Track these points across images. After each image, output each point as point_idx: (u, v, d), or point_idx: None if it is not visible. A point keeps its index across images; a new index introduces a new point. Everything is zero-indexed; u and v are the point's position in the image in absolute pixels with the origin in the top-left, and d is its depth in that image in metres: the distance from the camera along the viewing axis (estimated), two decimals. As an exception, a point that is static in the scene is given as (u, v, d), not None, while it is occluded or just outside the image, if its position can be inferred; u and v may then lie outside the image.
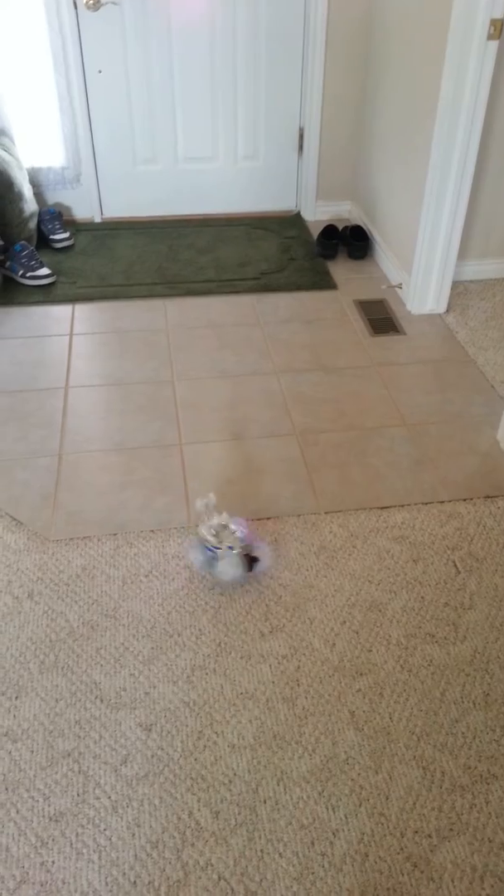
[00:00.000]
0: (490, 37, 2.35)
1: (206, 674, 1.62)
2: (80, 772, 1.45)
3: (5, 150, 3.16)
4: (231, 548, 1.74)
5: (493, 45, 2.37)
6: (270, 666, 1.64)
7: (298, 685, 1.60)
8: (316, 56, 3.30)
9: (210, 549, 1.76)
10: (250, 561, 1.79)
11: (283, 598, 1.79)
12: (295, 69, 3.38)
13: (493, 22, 2.32)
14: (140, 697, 1.57)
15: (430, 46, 2.60)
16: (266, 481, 2.14)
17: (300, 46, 3.32)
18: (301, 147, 3.59)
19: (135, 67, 3.28)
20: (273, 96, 3.44)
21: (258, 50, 3.30)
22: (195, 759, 1.47)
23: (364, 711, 1.56)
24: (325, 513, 2.05)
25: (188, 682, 1.60)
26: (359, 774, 1.45)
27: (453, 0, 2.34)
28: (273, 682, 1.61)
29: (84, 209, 3.63)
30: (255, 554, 1.80)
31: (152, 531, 1.96)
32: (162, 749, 1.49)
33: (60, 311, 2.95)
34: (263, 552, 1.82)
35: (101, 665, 1.63)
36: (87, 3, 3.08)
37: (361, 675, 1.63)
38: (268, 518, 2.02)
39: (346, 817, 1.39)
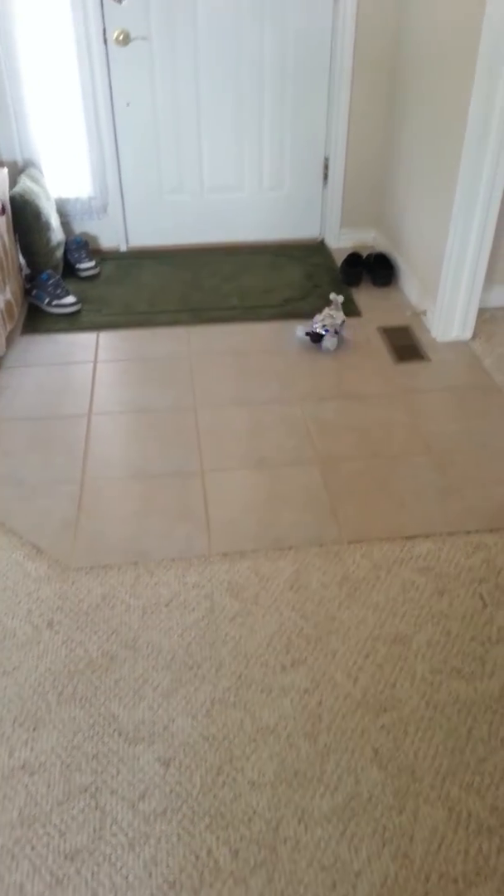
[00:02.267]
0: (515, 66, 2.35)
1: (226, 707, 1.59)
2: (97, 807, 1.42)
3: (33, 181, 3.22)
4: (326, 329, 2.86)
5: (518, 74, 2.37)
6: (291, 700, 1.61)
7: (320, 720, 1.57)
8: (342, 87, 3.32)
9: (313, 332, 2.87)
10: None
11: (305, 630, 1.76)
12: (321, 100, 3.41)
13: (518, 52, 2.32)
14: (159, 731, 1.55)
15: (458, 74, 2.61)
16: (288, 510, 2.12)
17: (326, 77, 3.36)
18: (326, 176, 3.61)
19: (162, 100, 3.33)
20: (298, 127, 3.48)
21: (284, 81, 3.34)
22: (214, 796, 1.44)
23: (388, 749, 1.52)
24: (348, 542, 2.02)
25: (208, 715, 1.58)
26: (382, 814, 1.41)
27: (482, 28, 2.34)
28: (294, 717, 1.57)
29: (110, 238, 3.68)
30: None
31: (173, 560, 1.95)
32: (180, 784, 1.46)
33: (85, 339, 2.97)
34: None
35: (120, 697, 1.61)
36: (116, 38, 3.14)
37: (385, 710, 1.59)
38: (289, 548, 1.99)
39: (368, 859, 1.34)
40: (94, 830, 1.38)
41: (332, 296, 2.97)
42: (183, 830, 1.39)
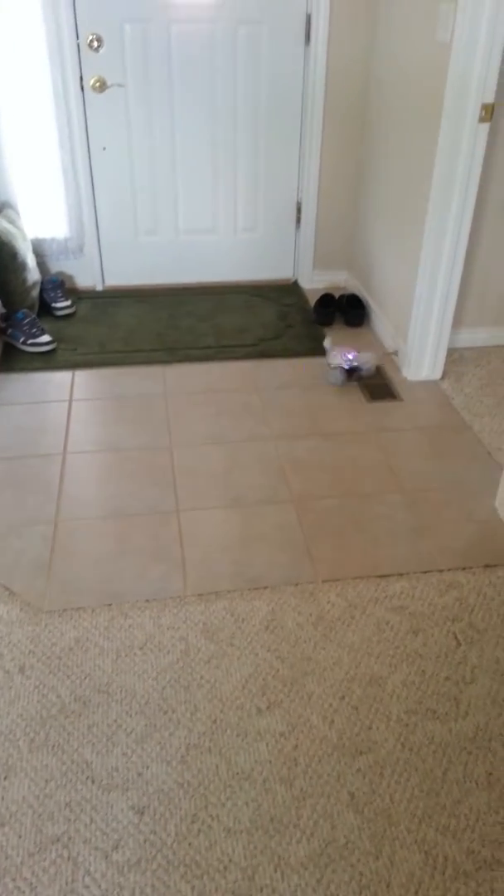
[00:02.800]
0: (482, 119, 2.44)
1: (201, 753, 1.57)
2: (69, 858, 1.39)
3: (10, 222, 3.25)
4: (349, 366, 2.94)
5: (485, 126, 2.46)
6: (267, 744, 1.59)
7: (296, 765, 1.56)
8: (313, 133, 3.42)
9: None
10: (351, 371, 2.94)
11: (281, 671, 1.76)
12: (293, 146, 3.51)
13: (485, 106, 2.42)
14: (133, 778, 1.52)
15: (425, 127, 2.71)
16: (263, 549, 2.13)
17: (298, 124, 3.45)
18: (299, 220, 3.69)
19: (138, 144, 3.40)
20: (271, 172, 3.56)
21: (257, 128, 3.44)
22: (189, 844, 1.42)
23: (364, 793, 1.51)
24: (323, 581, 2.03)
25: (182, 761, 1.56)
26: (359, 860, 1.40)
27: (446, 86, 2.44)
28: (270, 762, 1.56)
29: (86, 278, 3.71)
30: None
31: (148, 601, 1.94)
32: (155, 833, 1.43)
33: (61, 378, 2.98)
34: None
35: (93, 744, 1.59)
36: (93, 85, 3.21)
37: (361, 753, 1.58)
38: (265, 587, 2.00)
39: (345, 908, 1.33)
40: (67, 883, 1.35)
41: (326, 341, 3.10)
42: (157, 881, 1.36)
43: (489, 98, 2.41)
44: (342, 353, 2.94)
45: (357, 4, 3.15)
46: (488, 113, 2.43)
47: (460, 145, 2.49)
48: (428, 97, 2.63)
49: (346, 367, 2.92)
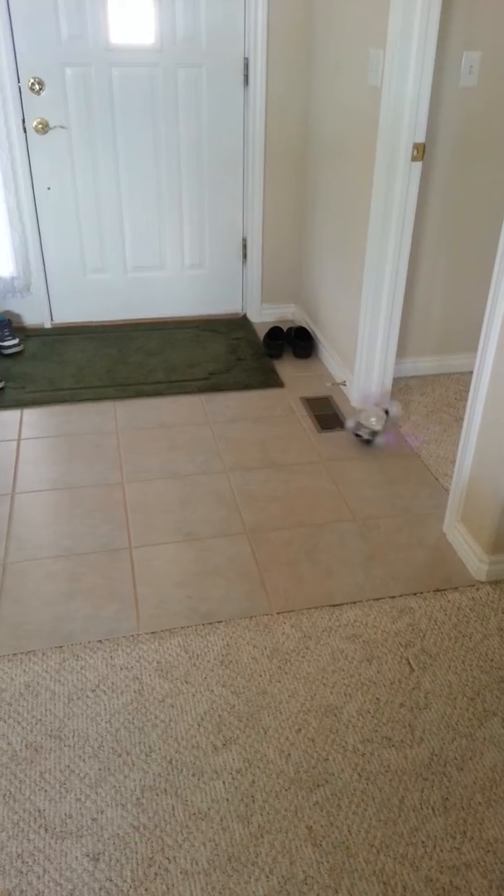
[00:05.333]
0: (414, 158, 2.54)
1: (157, 794, 1.55)
2: (21, 913, 1.35)
3: (-45, 263, 3.23)
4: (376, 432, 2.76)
5: (417, 165, 2.55)
6: (224, 782, 1.58)
7: (254, 801, 1.54)
8: (255, 171, 3.50)
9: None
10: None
11: (237, 706, 1.75)
12: (236, 184, 3.58)
13: (416, 146, 2.52)
14: (87, 824, 1.49)
15: (361, 166, 2.80)
16: (217, 583, 2.13)
17: (240, 163, 3.53)
18: (245, 255, 3.75)
19: (83, 184, 3.43)
20: (216, 210, 3.63)
21: (200, 167, 3.50)
22: (146, 890, 1.39)
23: (322, 826, 1.50)
24: (278, 613, 2.03)
25: (138, 804, 1.53)
26: (318, 895, 1.39)
27: (379, 127, 2.53)
28: (227, 800, 1.55)
29: (34, 316, 3.70)
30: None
31: (100, 641, 1.91)
32: (111, 880, 1.40)
33: (9, 417, 2.95)
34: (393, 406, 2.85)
35: (46, 790, 1.55)
36: (35, 127, 3.24)
37: (318, 786, 1.58)
38: (219, 621, 1.99)
39: None
40: (19, 939, 1.31)
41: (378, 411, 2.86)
42: (114, 931, 1.33)
43: (420, 138, 2.51)
44: (373, 412, 2.77)
45: (293, 48, 3.26)
46: (420, 152, 2.52)
47: (395, 183, 2.58)
48: (362, 138, 2.73)
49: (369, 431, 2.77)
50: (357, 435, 2.80)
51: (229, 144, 3.48)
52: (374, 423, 2.76)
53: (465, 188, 2.91)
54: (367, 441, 2.79)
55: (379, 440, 2.78)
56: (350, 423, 2.85)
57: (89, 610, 2.02)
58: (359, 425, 2.79)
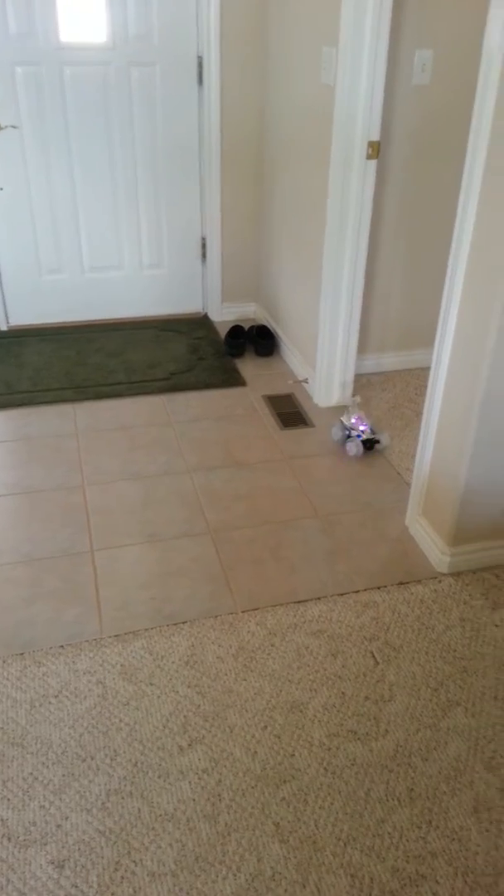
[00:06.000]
0: (369, 156, 2.55)
1: (123, 798, 1.54)
2: (-15, 925, 1.32)
3: None
4: (358, 435, 2.71)
5: (372, 163, 2.57)
6: (190, 782, 1.57)
7: (220, 800, 1.54)
8: (212, 170, 3.49)
9: (347, 430, 2.76)
10: (372, 443, 2.71)
11: (202, 706, 1.74)
12: (193, 183, 3.57)
13: (371, 143, 2.53)
14: (51, 831, 1.47)
15: (316, 164, 2.81)
16: (182, 583, 2.11)
17: (196, 162, 3.52)
18: (204, 254, 3.74)
19: (36, 184, 3.39)
20: (174, 209, 3.61)
21: (157, 166, 3.48)
22: (112, 894, 1.37)
23: (289, 821, 1.50)
24: (243, 611, 2.03)
25: (103, 808, 1.51)
26: (286, 891, 1.38)
27: (333, 125, 2.54)
28: (194, 800, 1.54)
29: (-9, 318, 3.65)
30: (377, 438, 2.71)
31: (62, 646, 1.89)
32: (76, 887, 1.38)
33: (-34, 422, 2.90)
34: (383, 436, 2.73)
35: (9, 799, 1.53)
36: (-13, 126, 3.19)
37: (285, 782, 1.58)
38: (184, 622, 1.98)
39: (275, 943, 1.31)
40: None
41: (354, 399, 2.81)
42: (80, 938, 1.31)
43: (374, 136, 2.52)
44: (357, 422, 2.72)
45: (247, 46, 3.26)
46: (374, 150, 2.54)
47: (350, 181, 2.59)
48: (318, 136, 2.74)
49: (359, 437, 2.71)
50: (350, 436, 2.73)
51: (185, 143, 3.46)
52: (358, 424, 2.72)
53: (421, 185, 2.93)
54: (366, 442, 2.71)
55: (351, 446, 2.72)
56: (337, 432, 2.79)
57: (50, 615, 1.99)
58: (344, 427, 2.75)
